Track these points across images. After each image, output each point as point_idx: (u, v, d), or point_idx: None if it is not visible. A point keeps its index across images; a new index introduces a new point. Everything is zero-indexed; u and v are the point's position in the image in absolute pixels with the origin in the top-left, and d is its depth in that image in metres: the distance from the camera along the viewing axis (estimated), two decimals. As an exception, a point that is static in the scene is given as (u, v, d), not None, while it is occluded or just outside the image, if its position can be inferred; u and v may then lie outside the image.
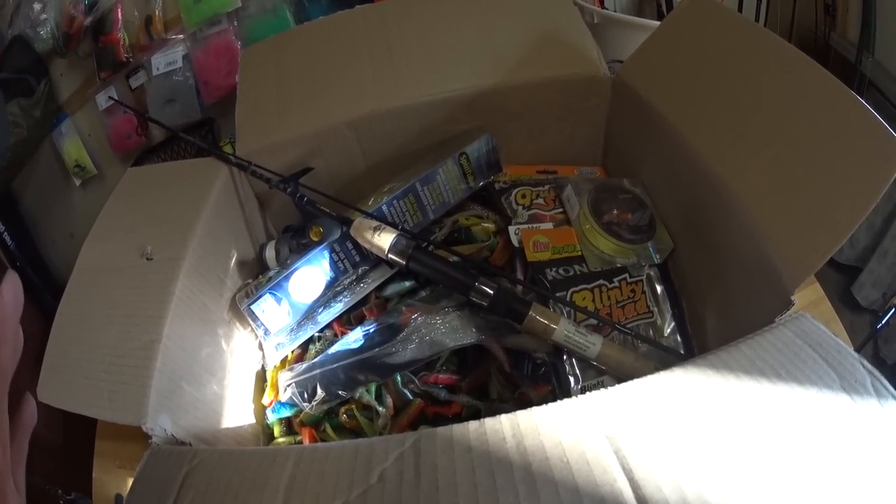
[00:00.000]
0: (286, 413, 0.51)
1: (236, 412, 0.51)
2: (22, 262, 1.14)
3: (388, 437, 0.31)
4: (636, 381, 0.33)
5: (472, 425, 0.31)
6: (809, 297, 0.56)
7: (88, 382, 0.42)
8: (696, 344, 0.51)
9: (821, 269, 0.38)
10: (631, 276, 0.52)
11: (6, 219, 1.14)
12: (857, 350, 0.54)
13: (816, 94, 0.41)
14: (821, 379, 0.31)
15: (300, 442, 0.50)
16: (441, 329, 0.45)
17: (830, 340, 0.33)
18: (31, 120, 1.05)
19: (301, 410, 0.49)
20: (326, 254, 0.50)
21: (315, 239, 0.47)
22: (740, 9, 1.05)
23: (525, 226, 0.52)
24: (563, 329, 0.44)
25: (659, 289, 0.52)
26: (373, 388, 0.46)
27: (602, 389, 0.32)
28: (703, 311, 0.51)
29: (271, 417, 0.52)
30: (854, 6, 1.09)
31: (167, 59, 0.94)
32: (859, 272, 1.08)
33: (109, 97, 0.97)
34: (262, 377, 0.56)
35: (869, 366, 0.32)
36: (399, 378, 0.46)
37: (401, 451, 0.31)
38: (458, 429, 0.31)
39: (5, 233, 1.14)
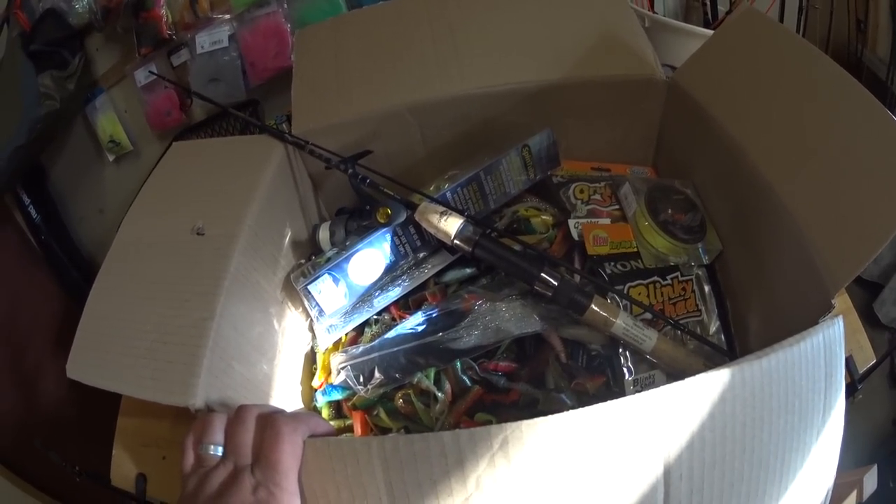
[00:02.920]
0: (337, 396, 0.51)
1: (284, 394, 0.50)
2: (47, 237, 1.14)
3: (471, 435, 0.29)
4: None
5: (559, 418, 0.30)
6: (839, 306, 0.56)
7: (127, 360, 0.41)
8: (738, 344, 0.52)
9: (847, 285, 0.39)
10: (682, 275, 0.52)
11: (33, 192, 1.13)
12: (875, 367, 0.54)
13: (856, 110, 0.43)
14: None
15: (350, 426, 0.49)
16: (506, 316, 0.45)
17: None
18: (65, 93, 1.03)
19: (353, 394, 0.49)
20: (389, 237, 0.50)
21: (382, 221, 0.47)
22: (781, 20, 1.05)
23: (584, 220, 0.52)
24: (623, 322, 0.44)
25: (706, 289, 0.53)
26: (431, 373, 0.46)
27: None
28: (747, 313, 0.51)
29: (321, 400, 0.51)
30: (884, 22, 1.09)
31: (212, 38, 0.93)
32: (881, 289, 1.08)
33: (150, 72, 0.96)
34: (310, 359, 0.56)
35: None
36: (459, 364, 0.46)
37: (490, 454, 0.29)
38: (542, 423, 0.30)
39: (31, 205, 1.13)
